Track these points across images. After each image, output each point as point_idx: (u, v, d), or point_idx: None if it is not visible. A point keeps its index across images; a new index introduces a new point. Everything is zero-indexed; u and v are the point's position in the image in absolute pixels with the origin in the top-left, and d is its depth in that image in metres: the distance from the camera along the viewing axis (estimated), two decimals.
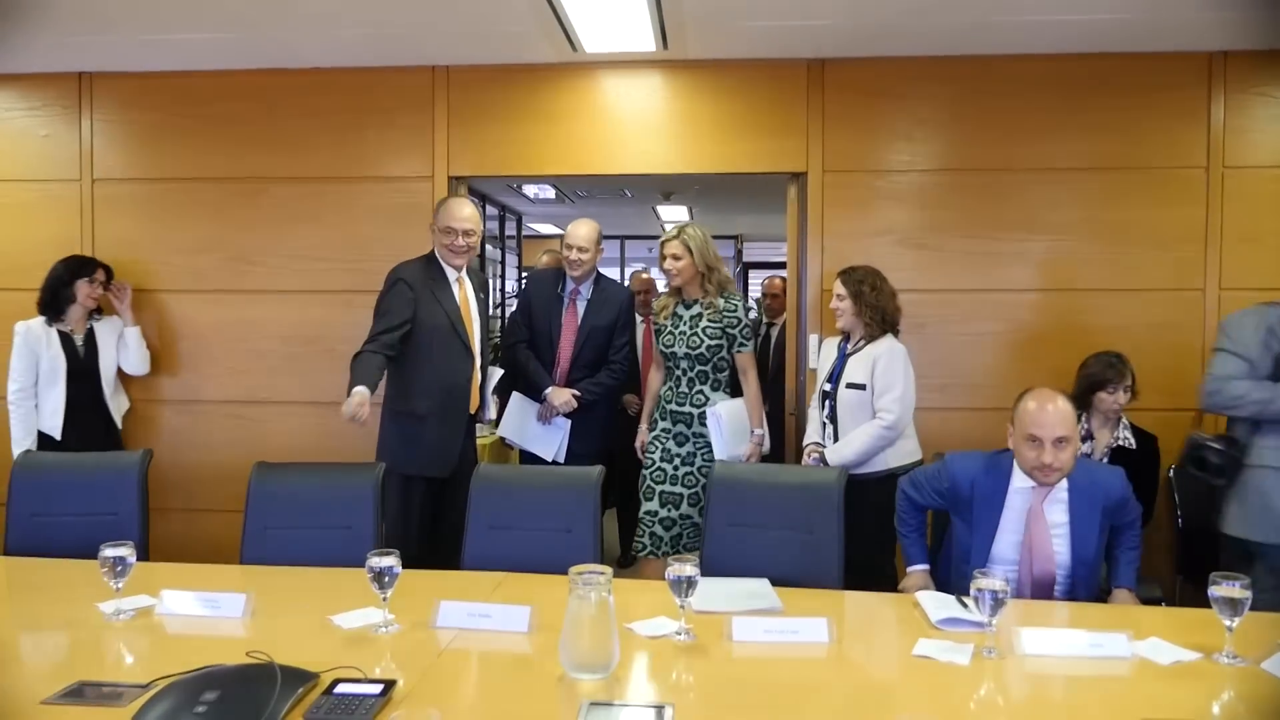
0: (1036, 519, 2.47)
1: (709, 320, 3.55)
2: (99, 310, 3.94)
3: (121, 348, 3.96)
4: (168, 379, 4.15)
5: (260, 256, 4.08)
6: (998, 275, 3.89)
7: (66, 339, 3.82)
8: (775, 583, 2.38)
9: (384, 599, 2.09)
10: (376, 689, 1.68)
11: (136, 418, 4.13)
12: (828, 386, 3.44)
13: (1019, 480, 2.50)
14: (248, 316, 4.11)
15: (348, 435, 3.96)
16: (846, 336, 3.47)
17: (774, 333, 5.36)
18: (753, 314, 6.46)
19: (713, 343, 3.54)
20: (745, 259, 12.01)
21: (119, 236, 4.13)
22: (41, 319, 3.81)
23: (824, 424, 3.43)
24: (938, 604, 2.19)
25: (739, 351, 3.59)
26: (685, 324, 3.58)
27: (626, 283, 5.45)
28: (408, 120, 4.04)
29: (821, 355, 3.64)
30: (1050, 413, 2.42)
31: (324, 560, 2.60)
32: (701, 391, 3.59)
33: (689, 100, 3.99)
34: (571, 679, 1.78)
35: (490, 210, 8.87)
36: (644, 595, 2.29)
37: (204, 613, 2.19)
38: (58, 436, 3.75)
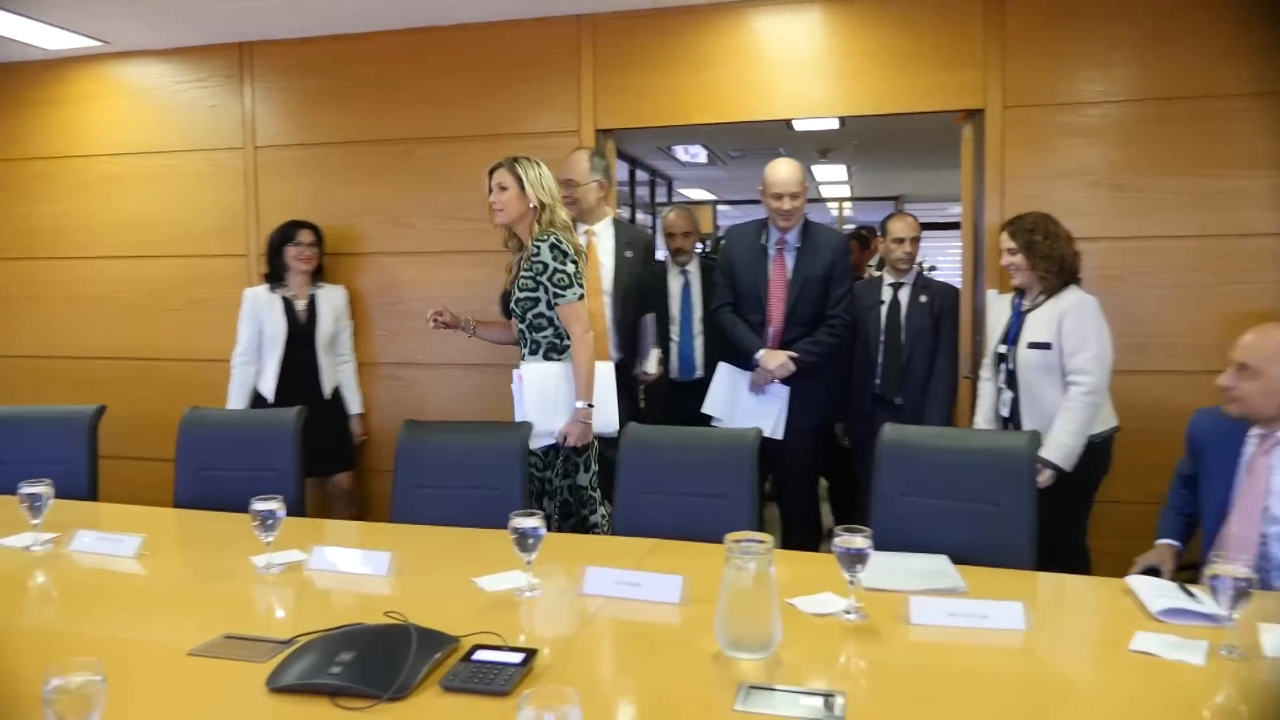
0: (1252, 471, 2.12)
1: (523, 269, 2.91)
2: (320, 275, 3.98)
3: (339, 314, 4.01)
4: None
5: (410, 218, 4.08)
6: (1210, 219, 3.39)
7: (289, 305, 3.87)
8: (956, 560, 2.11)
9: (528, 562, 1.97)
10: (517, 658, 1.55)
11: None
12: (1003, 349, 3.10)
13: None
14: (400, 278, 4.12)
15: (503, 396, 3.93)
16: (1020, 293, 3.12)
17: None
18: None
19: (524, 295, 2.90)
20: None
21: (281, 201, 4.21)
22: (266, 286, 3.88)
23: (999, 390, 3.10)
24: (1157, 591, 1.87)
25: (559, 303, 2.87)
26: (515, 275, 2.95)
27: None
28: (553, 73, 3.92)
29: (993, 314, 3.29)
30: (1250, 338, 2.19)
31: (471, 521, 2.52)
32: (523, 357, 2.97)
33: (849, 36, 3.68)
34: (728, 657, 1.60)
35: (641, 175, 8.76)
36: (808, 568, 2.09)
37: (350, 569, 2.14)
38: (271, 399, 3.81)
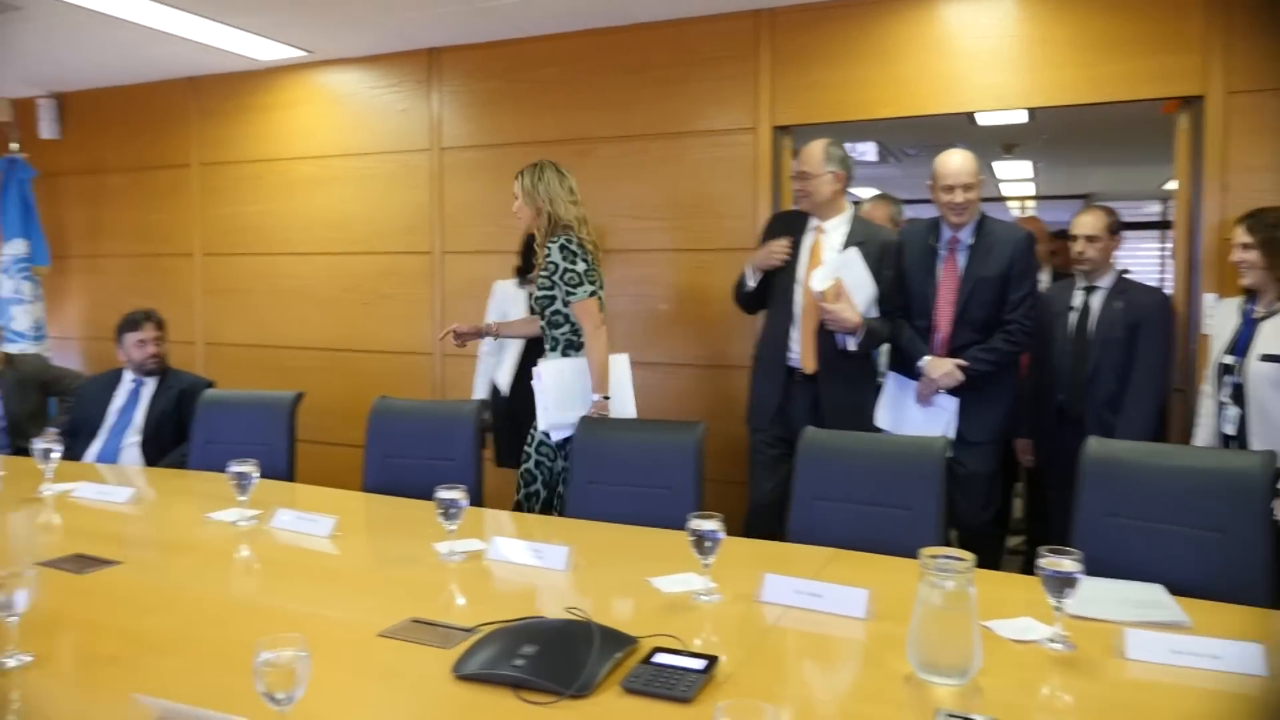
0: None
1: (540, 271, 3.05)
2: None
3: None
4: None
5: (590, 216, 4.11)
6: None
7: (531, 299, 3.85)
8: (1172, 592, 1.92)
9: (705, 565, 1.92)
10: (698, 664, 1.51)
11: (466, 372, 4.37)
12: (1229, 359, 2.80)
13: None
14: None
15: (689, 394, 3.93)
16: (1251, 296, 2.81)
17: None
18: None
19: (541, 294, 3.04)
20: None
21: (463, 201, 4.37)
22: (514, 280, 3.89)
23: (1221, 405, 2.81)
24: None
25: (570, 301, 3.00)
26: (538, 275, 3.09)
27: None
28: (730, 69, 3.87)
29: (1216, 320, 2.99)
30: None
31: (644, 519, 2.51)
32: (544, 353, 3.10)
33: (1046, 23, 3.45)
34: (921, 680, 1.50)
35: None
36: (999, 589, 1.94)
37: (528, 562, 2.17)
38: (505, 391, 3.79)
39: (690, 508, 2.46)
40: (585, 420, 2.84)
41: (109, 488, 2.78)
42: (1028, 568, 2.83)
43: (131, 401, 3.62)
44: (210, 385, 3.67)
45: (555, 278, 3.00)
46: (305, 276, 4.72)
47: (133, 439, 3.55)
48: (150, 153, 5.22)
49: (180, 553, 2.30)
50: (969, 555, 1.53)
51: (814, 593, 1.88)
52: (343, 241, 4.62)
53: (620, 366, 3.15)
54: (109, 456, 3.52)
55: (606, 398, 3.01)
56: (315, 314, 4.72)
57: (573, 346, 3.07)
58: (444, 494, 2.20)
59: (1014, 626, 1.73)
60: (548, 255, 3.02)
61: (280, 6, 3.82)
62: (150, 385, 3.63)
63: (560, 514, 2.96)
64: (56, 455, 2.80)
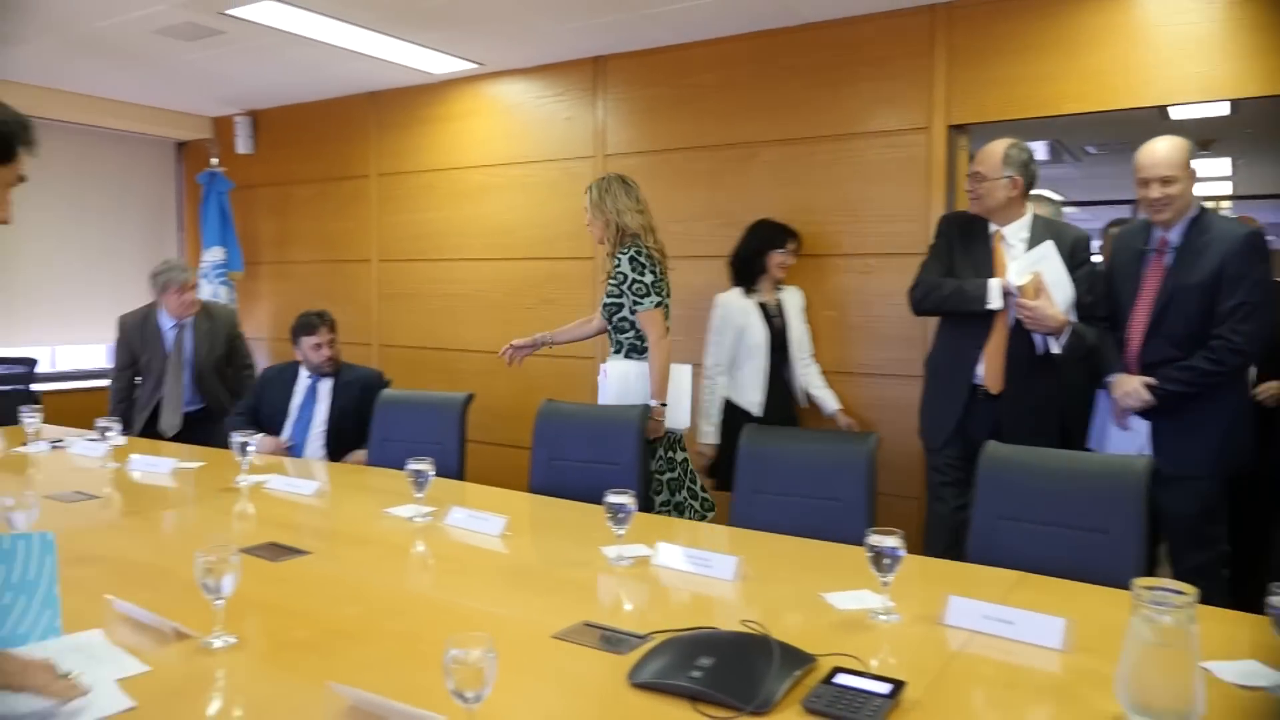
0: None
1: (610, 278, 3.24)
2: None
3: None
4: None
5: (749, 221, 4.07)
6: None
7: (764, 310, 3.73)
8: None
9: (884, 584, 1.84)
10: (884, 688, 1.44)
11: None
12: None
13: None
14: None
15: (856, 404, 3.82)
16: None
17: None
18: None
19: (609, 300, 3.25)
20: None
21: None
22: (738, 290, 3.75)
23: None
24: None
25: (637, 310, 3.18)
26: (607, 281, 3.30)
27: None
28: (902, 68, 3.73)
29: None
30: None
31: (811, 531, 2.44)
32: (610, 356, 3.31)
33: (1253, 4, 3.14)
34: None
35: None
36: (1223, 627, 1.76)
37: (696, 570, 2.13)
38: (756, 411, 3.64)
39: (861, 522, 2.40)
40: (751, 428, 2.79)
41: (297, 480, 2.94)
42: (1239, 598, 2.57)
43: (310, 398, 3.82)
44: (382, 377, 3.83)
45: (624, 287, 3.19)
46: (473, 281, 4.89)
47: (317, 432, 3.75)
48: (333, 165, 5.54)
49: (362, 545, 2.40)
50: (1190, 589, 1.39)
51: (1004, 619, 1.76)
52: (509, 247, 4.75)
53: (681, 377, 3.25)
54: (295, 452, 3.74)
55: (664, 405, 3.16)
56: (482, 318, 4.88)
57: (636, 351, 3.26)
58: (613, 499, 2.20)
59: (1238, 670, 1.56)
60: (617, 265, 3.20)
61: (455, 22, 3.96)
62: (327, 383, 3.83)
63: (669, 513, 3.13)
64: (252, 448, 2.99)
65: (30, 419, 3.76)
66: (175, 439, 4.14)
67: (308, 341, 3.80)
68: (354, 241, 5.47)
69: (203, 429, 4.25)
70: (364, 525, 2.59)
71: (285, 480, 2.96)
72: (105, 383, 5.97)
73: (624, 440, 3.00)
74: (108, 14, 3.97)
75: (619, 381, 3.23)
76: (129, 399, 4.34)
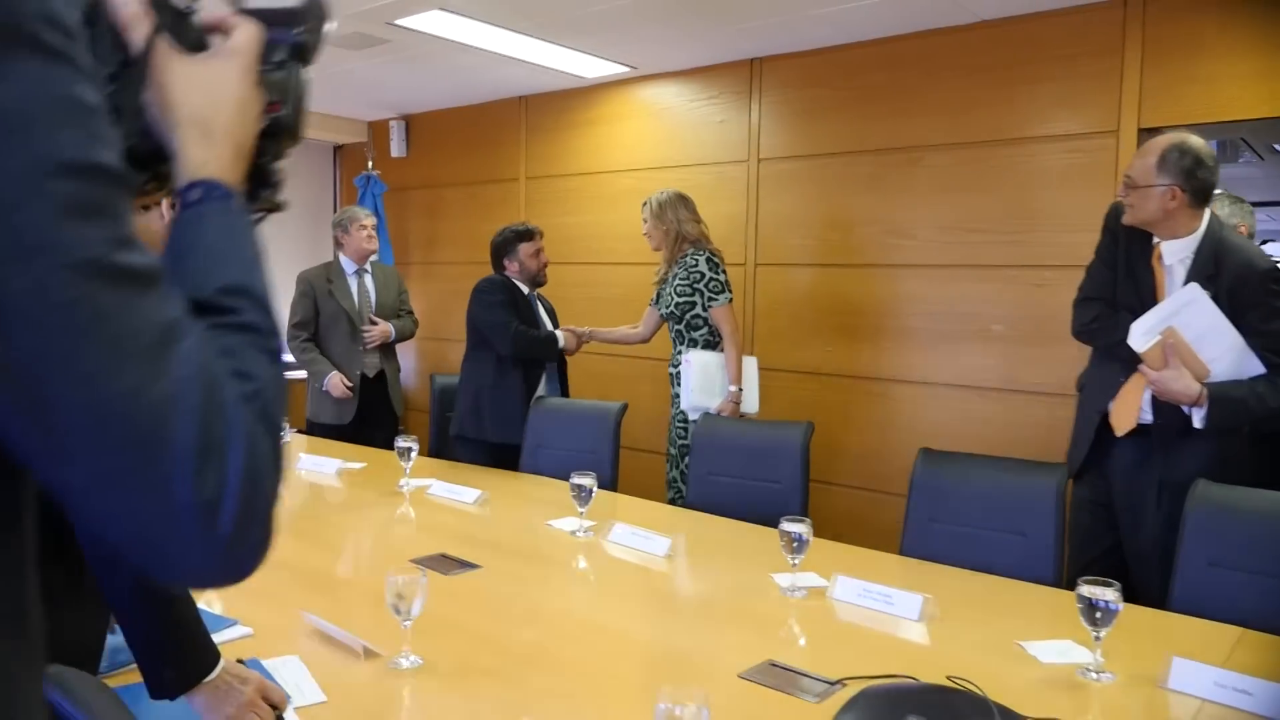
0: None
1: (679, 278, 3.55)
2: None
3: None
4: (811, 350, 4.22)
5: (912, 229, 3.90)
6: None
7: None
8: None
9: (1096, 638, 1.69)
10: None
11: (775, 389, 4.30)
12: None
13: None
14: (898, 291, 3.96)
15: (1033, 426, 3.62)
16: None
17: None
18: None
19: (681, 300, 3.54)
20: None
21: (778, 212, 4.30)
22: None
23: None
24: None
25: (711, 306, 3.53)
26: (669, 284, 3.61)
27: None
28: (1088, 67, 3.48)
29: None
30: None
31: (993, 567, 2.29)
32: (680, 350, 3.59)
33: None
34: None
35: None
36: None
37: (877, 607, 2.02)
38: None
39: (1049, 560, 2.25)
40: (927, 452, 2.64)
41: (458, 488, 2.96)
42: None
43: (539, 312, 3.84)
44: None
45: (700, 285, 3.52)
46: (621, 285, 4.86)
47: None
48: (483, 168, 5.63)
49: (529, 560, 2.39)
50: None
51: (1240, 688, 1.58)
52: (656, 253, 4.69)
53: (750, 367, 3.66)
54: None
55: (740, 389, 3.54)
56: (628, 322, 4.84)
57: (709, 346, 3.57)
58: (790, 526, 2.12)
59: None
60: (693, 266, 3.54)
61: (613, 27, 3.94)
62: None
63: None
64: (414, 452, 3.04)
65: None
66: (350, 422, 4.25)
67: (527, 249, 3.83)
68: None
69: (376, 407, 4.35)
70: (528, 538, 2.58)
71: (447, 486, 3.00)
72: None
73: (787, 458, 2.90)
74: None
75: (702, 370, 3.51)
76: (312, 353, 4.31)
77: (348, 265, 4.41)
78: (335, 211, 6.73)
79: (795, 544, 2.11)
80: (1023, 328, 3.64)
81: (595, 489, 2.56)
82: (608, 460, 3.28)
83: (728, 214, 4.45)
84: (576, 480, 2.56)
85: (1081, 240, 3.45)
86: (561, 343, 3.68)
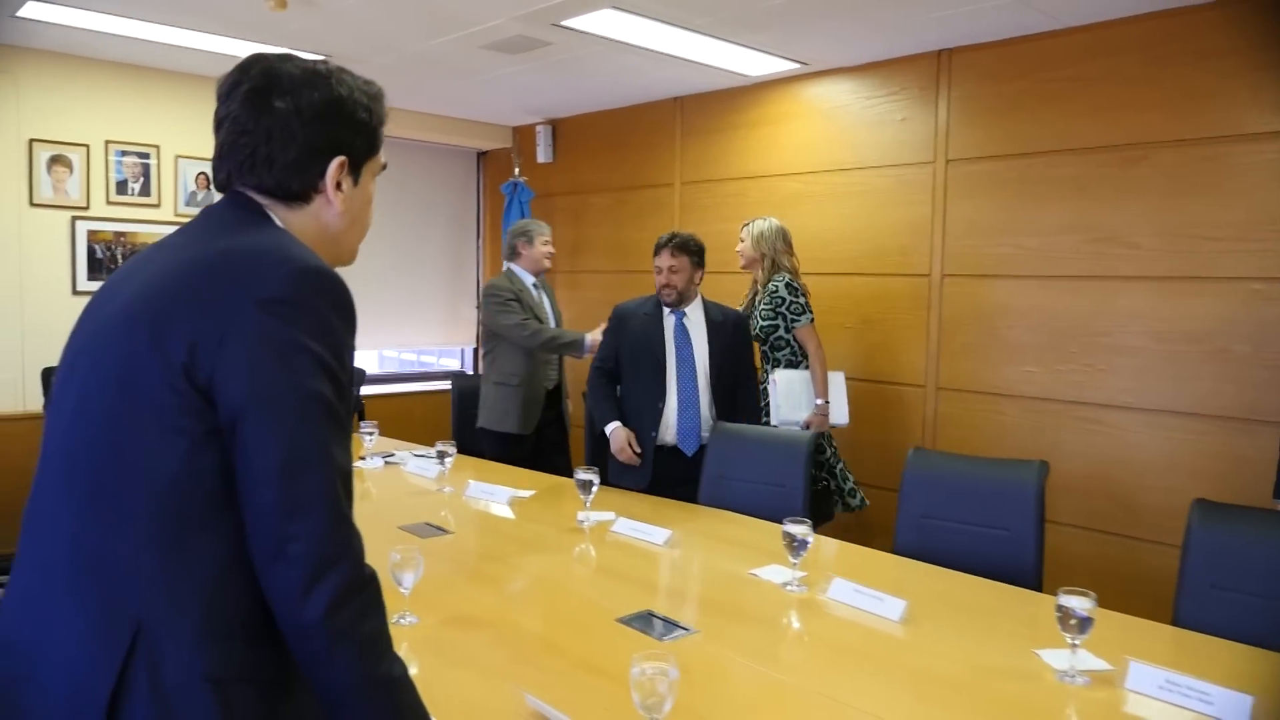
0: None
1: (763, 304, 3.74)
2: None
3: None
4: (1007, 370, 3.82)
5: (1133, 237, 3.46)
6: None
7: None
8: None
9: None
10: None
11: (961, 412, 3.92)
12: None
13: None
14: (1112, 306, 3.53)
15: (1243, 460, 3.17)
16: None
17: None
18: None
19: (766, 323, 3.73)
20: None
21: (969, 218, 3.92)
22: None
23: None
24: None
25: (795, 327, 3.71)
26: (756, 307, 3.80)
27: None
28: None
29: None
30: None
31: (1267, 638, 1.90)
32: (767, 371, 3.76)
33: None
34: None
35: None
36: None
37: (1187, 704, 1.67)
38: None
39: None
40: (1203, 504, 2.25)
41: (645, 526, 2.72)
42: None
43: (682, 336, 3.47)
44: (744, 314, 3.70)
45: (782, 309, 3.71)
46: None
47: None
48: (633, 173, 5.42)
49: (742, 620, 2.12)
50: None
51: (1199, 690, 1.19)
52: (827, 261, 4.38)
53: (838, 380, 3.84)
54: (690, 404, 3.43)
55: (827, 402, 3.73)
56: None
57: (791, 365, 3.75)
58: (1068, 600, 1.78)
59: None
60: (774, 291, 3.72)
61: (793, 20, 3.64)
62: (698, 318, 3.46)
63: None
64: (596, 486, 2.82)
65: (368, 433, 3.85)
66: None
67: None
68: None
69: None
70: (734, 591, 2.31)
71: (632, 525, 2.76)
72: (403, 388, 6.29)
73: (1017, 504, 2.55)
74: (441, 32, 3.99)
75: (787, 386, 3.70)
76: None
77: (525, 276, 4.25)
78: (478, 219, 6.66)
79: (1073, 620, 1.78)
80: (1272, 350, 3.17)
81: (810, 538, 2.27)
82: (799, 494, 3.00)
83: (908, 220, 4.10)
84: (790, 528, 2.28)
85: None
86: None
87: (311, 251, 1.13)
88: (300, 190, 1.20)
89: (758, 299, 3.81)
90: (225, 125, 1.19)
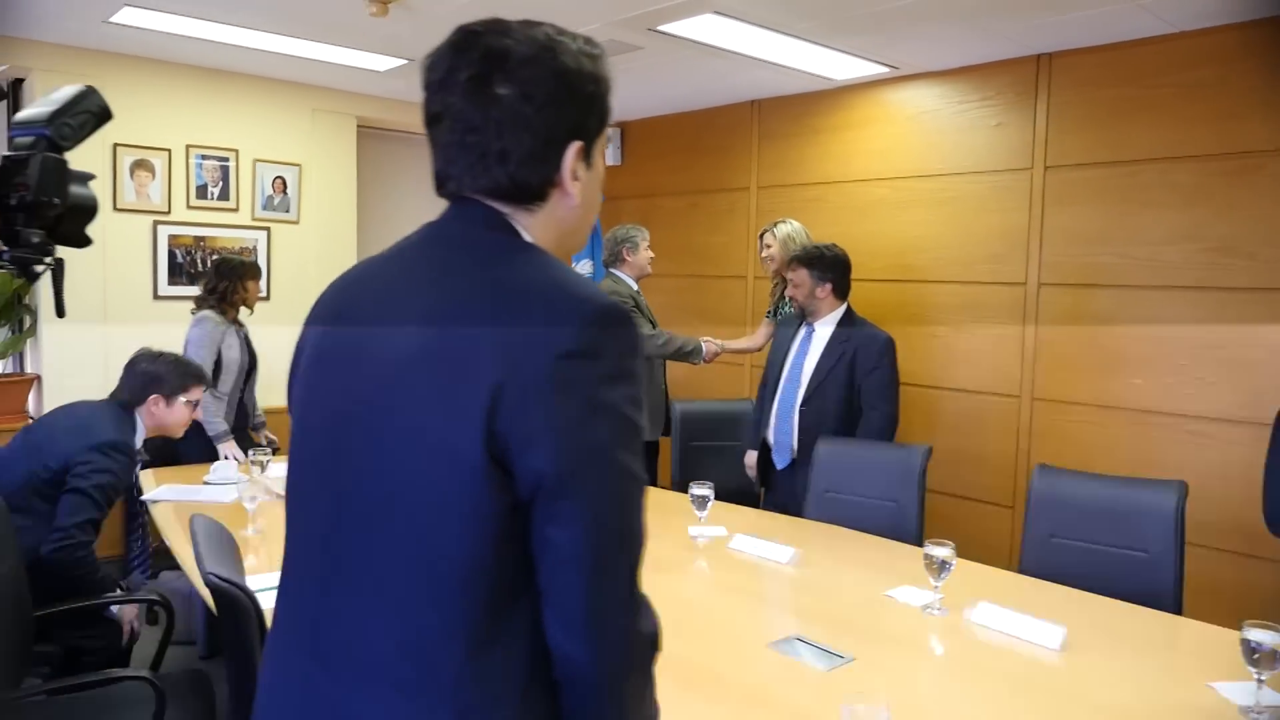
0: None
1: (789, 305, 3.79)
2: None
3: None
4: (1109, 382, 3.73)
5: (1253, 247, 3.37)
6: None
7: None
8: None
9: None
10: None
11: (1058, 423, 3.84)
12: None
13: None
14: (1227, 318, 3.43)
15: None
16: None
17: None
18: None
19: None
20: None
21: (1068, 227, 3.84)
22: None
23: None
24: None
25: None
26: (783, 309, 3.92)
27: None
28: None
29: None
30: None
31: None
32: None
33: None
34: None
35: None
36: None
37: None
38: None
39: None
40: None
41: (768, 543, 2.68)
42: None
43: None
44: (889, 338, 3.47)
45: None
46: (871, 304, 4.46)
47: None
48: (707, 176, 5.37)
49: (894, 647, 2.07)
50: None
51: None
52: (914, 269, 4.31)
53: None
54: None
55: None
56: None
57: None
58: (1258, 635, 1.72)
59: None
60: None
61: (889, 25, 3.58)
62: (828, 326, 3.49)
63: None
64: (711, 500, 2.78)
65: None
66: None
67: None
68: (727, 256, 5.27)
69: None
70: (874, 615, 2.26)
71: (751, 541, 2.72)
72: None
73: (1153, 524, 2.48)
74: None
75: None
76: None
77: (630, 282, 4.22)
78: None
79: (1259, 653, 1.72)
80: None
81: (954, 562, 2.22)
82: (913, 511, 2.94)
83: (1003, 227, 4.02)
84: (931, 550, 2.22)
85: None
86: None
87: (590, 283, 1.02)
88: (539, 187, 1.05)
89: (784, 302, 3.93)
90: (446, 122, 1.04)
